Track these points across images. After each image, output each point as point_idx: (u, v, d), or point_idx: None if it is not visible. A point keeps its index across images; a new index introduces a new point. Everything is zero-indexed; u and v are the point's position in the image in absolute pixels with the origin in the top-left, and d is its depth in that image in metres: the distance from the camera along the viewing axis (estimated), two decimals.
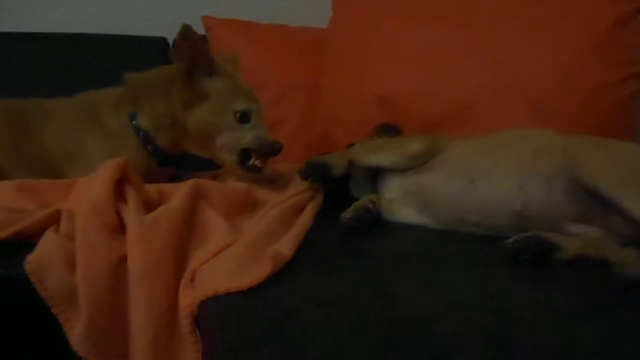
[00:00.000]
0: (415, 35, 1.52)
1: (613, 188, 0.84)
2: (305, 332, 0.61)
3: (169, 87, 1.19)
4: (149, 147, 1.21)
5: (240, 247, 0.82)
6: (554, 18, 1.41)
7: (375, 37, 1.57)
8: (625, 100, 1.40)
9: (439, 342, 0.59)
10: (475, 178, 1.00)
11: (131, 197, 0.91)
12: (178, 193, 0.95)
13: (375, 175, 1.17)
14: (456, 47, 1.46)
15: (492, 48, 1.43)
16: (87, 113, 1.21)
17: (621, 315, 0.68)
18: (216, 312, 0.68)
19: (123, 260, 0.81)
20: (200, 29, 1.73)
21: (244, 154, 1.23)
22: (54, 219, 0.90)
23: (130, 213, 0.87)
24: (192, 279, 0.80)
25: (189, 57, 1.16)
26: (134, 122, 1.21)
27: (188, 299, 0.77)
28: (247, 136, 1.22)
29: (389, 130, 1.36)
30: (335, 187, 1.14)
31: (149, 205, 0.94)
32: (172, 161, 1.28)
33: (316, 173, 1.08)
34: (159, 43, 1.76)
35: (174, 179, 1.27)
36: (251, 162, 1.22)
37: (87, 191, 0.91)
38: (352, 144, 1.38)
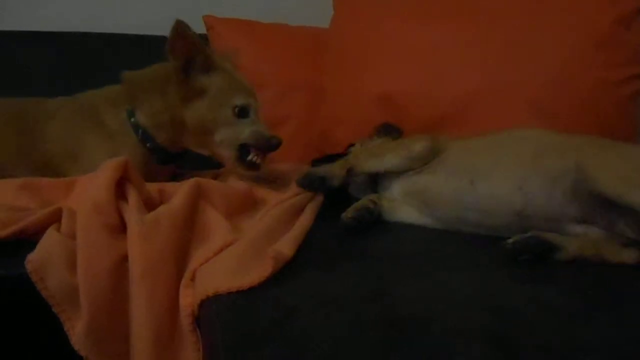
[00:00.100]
0: (415, 34, 1.52)
1: (618, 186, 0.83)
2: (306, 332, 0.61)
3: (166, 84, 1.19)
4: (148, 145, 1.21)
5: (241, 246, 0.82)
6: (554, 17, 1.41)
7: (376, 37, 1.57)
8: (626, 100, 1.40)
9: (439, 341, 0.59)
10: (475, 178, 1.00)
11: (132, 196, 0.91)
12: (179, 192, 0.95)
13: (375, 175, 1.17)
14: (456, 46, 1.46)
15: (493, 47, 1.43)
16: (86, 112, 1.21)
17: (621, 315, 0.68)
18: (217, 312, 0.69)
19: (124, 259, 0.81)
20: (201, 28, 1.74)
21: (243, 150, 1.23)
22: (55, 218, 0.90)
23: (131, 212, 0.87)
24: (192, 279, 0.80)
25: (184, 53, 1.15)
26: (132, 120, 1.21)
27: (189, 299, 0.77)
28: (245, 131, 1.22)
29: (389, 130, 1.36)
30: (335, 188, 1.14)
31: (150, 205, 0.94)
32: (171, 159, 1.28)
33: (314, 184, 1.08)
34: (160, 42, 1.76)
35: (175, 178, 1.28)
36: (250, 157, 1.22)
37: (88, 190, 0.91)
38: (352, 144, 1.39)
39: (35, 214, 0.90)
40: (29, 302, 0.78)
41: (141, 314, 0.77)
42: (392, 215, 1.10)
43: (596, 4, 1.41)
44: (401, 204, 1.10)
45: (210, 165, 1.36)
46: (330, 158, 1.36)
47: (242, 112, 1.22)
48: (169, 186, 1.04)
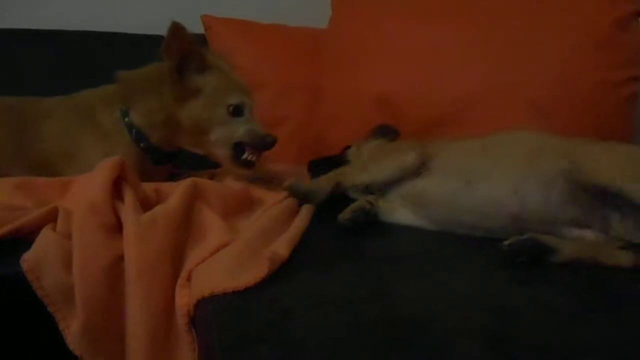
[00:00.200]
0: (413, 35, 1.52)
1: (615, 178, 0.84)
2: (302, 333, 0.61)
3: (160, 84, 1.19)
4: (142, 145, 1.21)
5: (237, 247, 0.82)
6: (553, 18, 1.42)
7: (374, 38, 1.57)
8: (625, 101, 1.40)
9: (439, 341, 0.59)
10: (470, 180, 1.00)
11: (128, 196, 0.91)
12: (175, 192, 0.95)
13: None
14: (455, 47, 1.46)
15: (491, 48, 1.43)
16: (81, 112, 1.21)
17: (618, 316, 0.68)
18: (213, 312, 0.69)
19: (120, 259, 0.81)
20: (200, 28, 1.74)
21: (238, 148, 1.23)
22: (50, 217, 0.90)
23: (128, 212, 0.87)
24: (189, 279, 0.80)
25: (179, 53, 1.15)
26: (126, 120, 1.21)
27: (185, 299, 0.77)
28: (240, 129, 1.22)
29: (386, 131, 1.36)
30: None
31: (146, 205, 0.94)
32: (166, 158, 1.28)
33: (298, 198, 1.07)
34: (160, 42, 1.76)
35: (171, 177, 1.28)
36: (245, 156, 1.23)
37: (84, 190, 0.92)
38: (349, 147, 1.38)
39: (31, 213, 0.89)
40: (24, 301, 0.78)
41: (137, 313, 0.77)
42: (389, 217, 1.10)
43: (595, 5, 1.42)
44: (398, 206, 1.10)
45: (207, 165, 1.36)
46: (327, 160, 1.36)
47: (237, 111, 1.22)
48: (165, 186, 1.04)
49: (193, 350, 0.76)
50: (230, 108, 1.21)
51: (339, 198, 1.10)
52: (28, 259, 0.78)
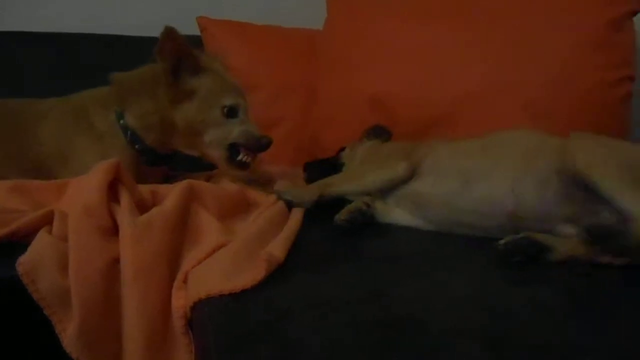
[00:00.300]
0: (408, 36, 1.52)
1: (605, 178, 0.85)
2: (299, 334, 0.61)
3: (155, 86, 1.19)
4: (136, 146, 1.21)
5: (233, 249, 0.82)
6: (548, 19, 1.42)
7: (369, 39, 1.57)
8: (619, 101, 1.41)
9: (436, 341, 0.59)
10: (467, 180, 1.00)
11: (124, 198, 0.91)
12: (171, 194, 0.95)
13: None
14: (450, 48, 1.47)
15: (486, 49, 1.43)
16: (76, 114, 1.21)
17: (615, 314, 0.68)
18: (209, 314, 0.68)
19: (116, 261, 0.81)
20: (197, 30, 1.74)
21: (233, 150, 1.23)
22: (46, 220, 0.89)
23: (124, 214, 0.86)
24: (185, 281, 0.80)
25: (173, 56, 1.16)
26: (121, 122, 1.21)
27: (181, 301, 0.77)
28: (234, 131, 1.22)
29: (379, 132, 1.36)
30: None
31: (142, 207, 0.94)
32: (161, 160, 1.28)
33: (286, 204, 1.07)
34: None
35: (167, 179, 1.27)
36: (240, 157, 1.23)
37: (80, 192, 0.91)
38: (343, 148, 1.39)
39: (26, 216, 0.89)
40: (21, 304, 0.77)
41: (133, 316, 0.76)
42: (386, 217, 1.10)
43: (590, 6, 1.42)
44: (394, 206, 1.10)
45: (202, 167, 1.36)
46: (322, 162, 1.36)
47: (231, 112, 1.22)
48: (162, 188, 1.04)
49: (190, 352, 0.76)
50: (225, 109, 1.21)
51: (335, 199, 1.11)
52: (24, 262, 0.78)
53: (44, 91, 1.31)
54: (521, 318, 0.66)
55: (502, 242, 0.84)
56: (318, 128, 1.64)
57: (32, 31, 1.73)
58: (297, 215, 1.01)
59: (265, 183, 1.28)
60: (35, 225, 0.88)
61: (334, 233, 1.00)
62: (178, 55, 1.16)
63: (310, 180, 1.23)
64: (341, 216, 1.01)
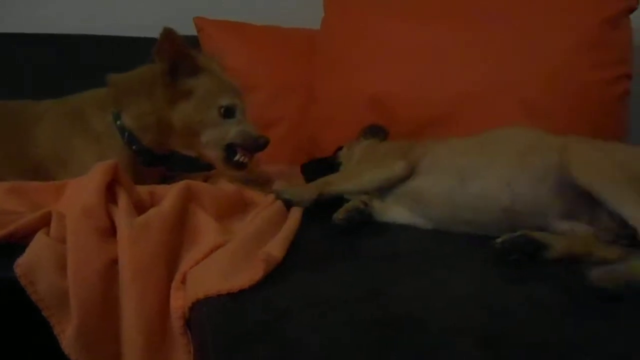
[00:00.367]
0: (406, 36, 1.53)
1: (600, 186, 0.84)
2: (297, 333, 0.61)
3: (152, 87, 1.19)
4: (134, 147, 1.21)
5: (231, 249, 0.82)
6: (544, 18, 1.42)
7: (366, 39, 1.57)
8: (616, 100, 1.41)
9: (435, 340, 0.59)
10: (465, 177, 1.00)
11: (122, 199, 0.91)
12: (169, 195, 0.95)
13: None
14: (447, 47, 1.47)
15: (483, 48, 1.43)
16: (73, 115, 1.21)
17: (612, 313, 0.68)
18: (207, 314, 0.68)
19: (114, 262, 0.81)
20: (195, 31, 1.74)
21: (230, 150, 1.23)
22: (44, 222, 0.89)
23: (122, 215, 0.86)
24: (183, 281, 0.80)
25: (171, 57, 1.16)
26: (118, 123, 1.21)
27: (179, 301, 0.77)
28: (231, 131, 1.22)
29: (376, 131, 1.36)
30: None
31: (140, 207, 0.94)
32: (158, 161, 1.28)
33: (284, 203, 1.07)
34: None
35: (165, 180, 1.27)
36: (237, 157, 1.23)
37: (78, 194, 0.91)
38: (341, 148, 1.39)
39: (24, 217, 0.89)
40: (19, 305, 0.78)
41: (132, 316, 0.76)
42: (384, 216, 1.10)
43: (586, 5, 1.42)
44: (392, 205, 1.10)
45: (200, 167, 1.36)
46: (320, 162, 1.36)
47: (228, 112, 1.22)
48: (159, 189, 1.03)
49: (188, 353, 0.76)
50: (222, 110, 1.21)
51: (333, 197, 1.11)
52: (22, 263, 0.78)
53: (44, 92, 1.31)
54: (519, 316, 0.66)
55: (499, 240, 0.84)
56: (317, 128, 1.64)
57: (32, 32, 1.73)
58: (295, 214, 1.01)
59: (263, 183, 1.28)
60: (33, 226, 0.88)
61: (332, 232, 1.00)
62: (176, 56, 1.16)
63: (308, 180, 1.23)
64: (339, 215, 1.01)
